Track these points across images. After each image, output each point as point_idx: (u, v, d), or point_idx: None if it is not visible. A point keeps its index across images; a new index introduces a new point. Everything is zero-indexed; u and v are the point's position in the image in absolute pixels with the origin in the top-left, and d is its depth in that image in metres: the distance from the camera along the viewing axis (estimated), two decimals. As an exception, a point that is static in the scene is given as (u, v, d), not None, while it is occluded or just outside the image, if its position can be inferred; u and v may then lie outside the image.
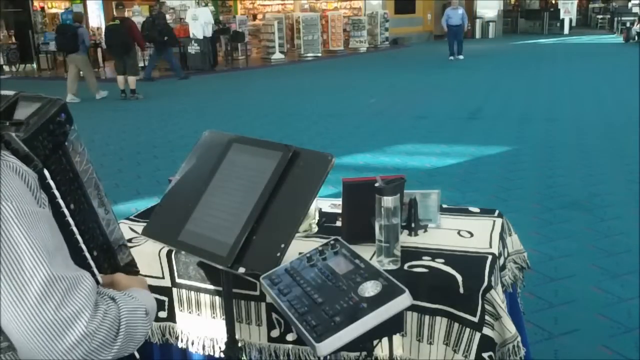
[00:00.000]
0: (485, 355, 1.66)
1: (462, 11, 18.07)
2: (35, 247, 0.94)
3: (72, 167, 1.17)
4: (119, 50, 12.02)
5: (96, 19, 22.71)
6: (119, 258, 1.31)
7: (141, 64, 14.92)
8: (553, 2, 32.87)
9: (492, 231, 2.02)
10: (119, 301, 1.04)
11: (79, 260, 1.13)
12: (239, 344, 1.80)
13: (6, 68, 19.06)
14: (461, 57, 18.01)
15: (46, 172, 1.07)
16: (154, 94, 12.05)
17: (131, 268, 1.35)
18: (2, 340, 0.99)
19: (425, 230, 2.01)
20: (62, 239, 1.03)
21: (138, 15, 19.13)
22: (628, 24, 24.25)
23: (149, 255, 1.97)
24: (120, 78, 12.33)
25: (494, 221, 2.10)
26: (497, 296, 1.70)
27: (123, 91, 12.30)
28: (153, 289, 1.92)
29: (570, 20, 29.30)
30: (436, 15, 25.31)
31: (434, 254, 1.84)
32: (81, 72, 12.37)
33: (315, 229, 2.06)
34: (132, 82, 12.20)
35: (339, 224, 2.07)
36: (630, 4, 28.31)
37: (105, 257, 1.26)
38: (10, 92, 1.14)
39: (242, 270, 1.49)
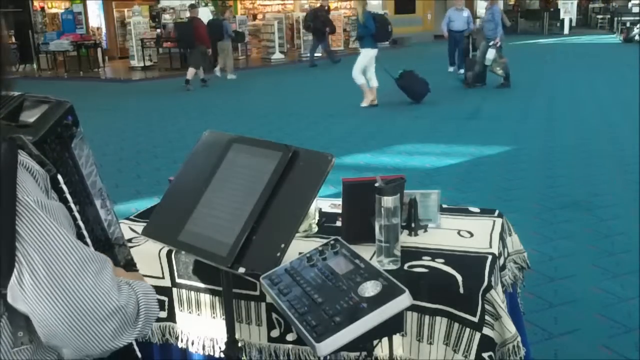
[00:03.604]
0: (485, 355, 1.66)
1: (468, 14, 14.21)
2: (63, 232, 0.97)
3: (78, 169, 1.17)
4: (185, 45, 13.97)
5: (96, 19, 22.70)
6: (119, 258, 1.31)
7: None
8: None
9: (492, 231, 2.02)
10: (134, 285, 1.08)
11: None
12: (239, 344, 1.80)
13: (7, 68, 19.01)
14: (462, 72, 13.79)
15: (59, 176, 1.08)
16: (156, 91, 12.04)
17: (131, 268, 1.36)
18: (21, 336, 0.99)
19: (425, 230, 2.01)
20: (75, 230, 1.07)
21: (138, 15, 19.13)
22: (628, 24, 24.24)
23: (149, 255, 1.97)
24: (190, 70, 13.65)
25: (494, 221, 2.10)
26: (497, 296, 1.70)
27: (187, 80, 13.40)
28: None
29: (570, 20, 29.28)
30: (436, 15, 25.31)
31: (434, 254, 1.84)
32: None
33: (315, 229, 2.07)
34: (190, 73, 13.39)
35: (339, 224, 2.07)
36: (630, 4, 28.28)
37: (106, 257, 1.26)
38: (15, 93, 1.14)
39: (242, 270, 1.49)
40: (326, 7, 18.20)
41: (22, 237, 0.93)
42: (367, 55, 10.00)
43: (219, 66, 15.34)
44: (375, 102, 10.22)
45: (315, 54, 18.14)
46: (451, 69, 14.60)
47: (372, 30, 9.73)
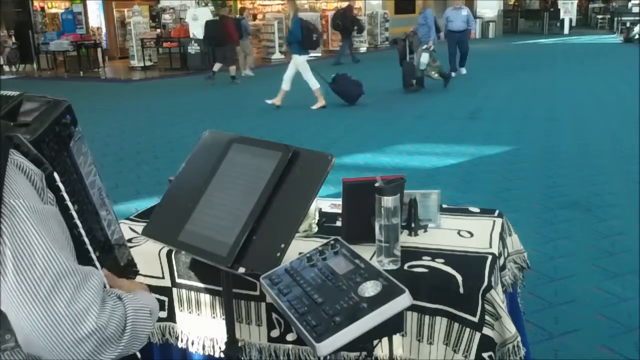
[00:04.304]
0: (485, 355, 1.66)
1: (467, 12, 13.66)
2: (47, 242, 0.95)
3: (77, 168, 1.17)
4: (214, 41, 14.11)
5: (96, 19, 22.70)
6: (119, 258, 1.31)
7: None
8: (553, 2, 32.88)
9: (492, 231, 2.02)
10: (125, 300, 1.05)
11: (85, 261, 1.13)
12: (239, 344, 1.80)
13: (6, 68, 19.05)
14: (463, 70, 13.92)
15: (56, 175, 1.07)
16: (156, 91, 12.04)
17: (131, 268, 1.36)
18: (8, 339, 0.99)
19: (425, 230, 2.01)
20: (69, 237, 1.05)
21: (138, 15, 19.14)
22: (628, 24, 24.23)
23: (149, 255, 1.97)
24: (217, 65, 14.23)
25: (494, 221, 2.10)
26: (497, 296, 1.70)
27: (233, 77, 14.12)
28: (153, 289, 1.92)
29: (570, 20, 29.28)
30: (436, 15, 25.27)
31: (434, 254, 1.84)
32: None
33: (315, 229, 2.06)
34: (232, 70, 14.07)
35: (339, 224, 2.07)
36: (630, 4, 28.27)
37: (106, 258, 1.26)
38: (14, 93, 1.14)
39: (242, 270, 1.50)
40: (352, 7, 18.88)
41: (3, 240, 0.92)
42: (296, 62, 10.22)
43: (248, 68, 15.69)
44: (323, 104, 10.36)
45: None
46: (452, 74, 13.24)
47: (298, 37, 9.94)
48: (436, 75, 11.61)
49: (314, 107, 10.31)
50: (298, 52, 10.10)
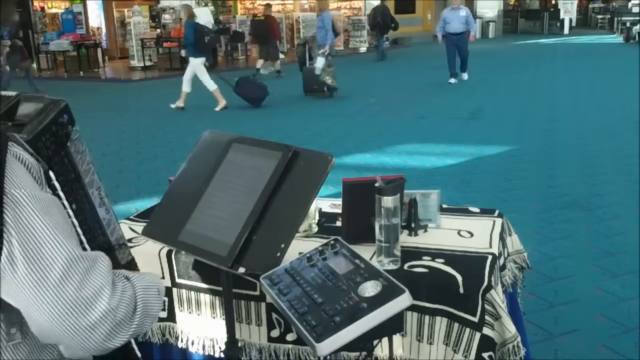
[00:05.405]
0: (485, 355, 1.66)
1: (467, 12, 12.33)
2: (52, 230, 0.95)
3: (75, 168, 1.17)
4: (261, 39, 15.34)
5: (96, 19, 22.69)
6: (119, 258, 1.31)
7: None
8: (553, 2, 32.87)
9: (492, 231, 2.02)
10: (133, 280, 1.07)
11: None
12: (239, 344, 1.80)
13: (6, 68, 19.02)
14: (465, 76, 12.85)
15: (52, 174, 1.07)
16: (156, 91, 12.03)
17: (131, 267, 1.36)
18: (14, 333, 0.99)
19: (425, 230, 2.01)
20: (71, 225, 1.06)
21: (138, 15, 19.13)
22: (628, 24, 24.23)
23: (149, 255, 1.97)
24: (260, 61, 15.84)
25: (494, 221, 2.10)
26: (497, 296, 1.70)
27: (258, 69, 15.20)
28: (153, 289, 1.92)
29: (570, 20, 29.29)
30: (436, 15, 25.28)
31: (434, 254, 1.84)
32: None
33: (315, 229, 2.07)
34: (277, 65, 15.38)
35: (339, 224, 2.07)
36: (630, 4, 28.29)
37: (105, 257, 1.26)
38: (12, 93, 1.14)
39: (242, 270, 1.49)
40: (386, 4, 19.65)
41: (9, 231, 0.92)
42: (193, 64, 10.54)
43: (275, 66, 15.98)
44: (225, 104, 10.57)
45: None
46: (452, 80, 12.58)
47: (190, 40, 10.31)
48: (330, 80, 11.29)
49: (217, 108, 10.56)
50: (193, 55, 10.48)
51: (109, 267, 1.01)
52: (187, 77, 10.63)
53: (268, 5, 16.36)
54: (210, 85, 10.58)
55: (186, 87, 10.66)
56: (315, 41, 11.61)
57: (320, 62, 11.19)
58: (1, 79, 13.13)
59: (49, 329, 0.94)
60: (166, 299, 2.01)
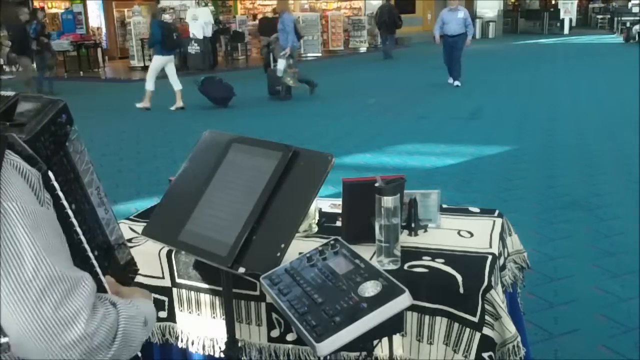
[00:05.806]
0: (485, 355, 1.66)
1: (465, 14, 11.85)
2: (38, 246, 0.94)
3: (73, 168, 1.17)
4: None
5: (96, 19, 22.69)
6: (119, 257, 1.31)
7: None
8: (553, 2, 32.87)
9: (492, 231, 2.02)
10: (119, 307, 1.04)
11: (82, 260, 1.13)
12: (239, 344, 1.80)
13: (6, 68, 19.03)
14: (456, 82, 12.13)
15: (50, 174, 1.07)
16: (156, 91, 12.03)
17: (131, 267, 1.35)
18: (3, 343, 0.99)
19: (425, 230, 2.01)
20: (64, 240, 1.04)
21: (138, 15, 19.12)
22: (628, 24, 24.24)
23: (149, 255, 1.97)
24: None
25: (494, 221, 2.10)
26: (497, 296, 1.70)
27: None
28: (153, 289, 1.93)
29: (570, 20, 29.29)
30: (436, 15, 25.28)
31: (434, 254, 1.84)
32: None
33: (315, 229, 2.07)
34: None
35: (339, 224, 2.07)
36: (630, 4, 28.30)
37: (105, 257, 1.26)
38: (10, 93, 1.14)
39: (242, 270, 1.49)
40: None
41: None
42: (157, 62, 10.67)
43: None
44: (182, 105, 10.65)
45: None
46: (451, 80, 12.26)
47: (158, 38, 10.29)
48: (292, 82, 11.24)
49: (173, 107, 10.63)
50: (160, 53, 10.51)
51: (92, 291, 0.99)
52: (149, 76, 10.63)
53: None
54: (177, 85, 10.59)
55: (150, 86, 10.64)
56: (278, 43, 11.53)
57: (281, 64, 11.21)
58: (42, 84, 13.37)
59: (24, 343, 0.93)
60: (166, 299, 2.01)
